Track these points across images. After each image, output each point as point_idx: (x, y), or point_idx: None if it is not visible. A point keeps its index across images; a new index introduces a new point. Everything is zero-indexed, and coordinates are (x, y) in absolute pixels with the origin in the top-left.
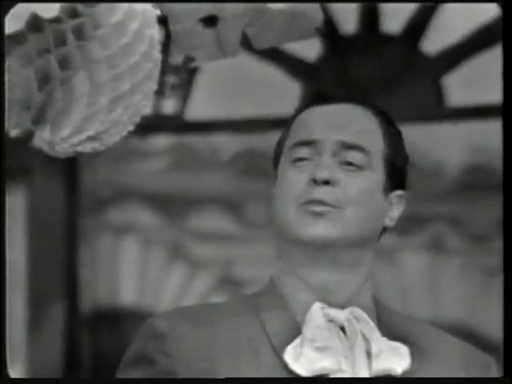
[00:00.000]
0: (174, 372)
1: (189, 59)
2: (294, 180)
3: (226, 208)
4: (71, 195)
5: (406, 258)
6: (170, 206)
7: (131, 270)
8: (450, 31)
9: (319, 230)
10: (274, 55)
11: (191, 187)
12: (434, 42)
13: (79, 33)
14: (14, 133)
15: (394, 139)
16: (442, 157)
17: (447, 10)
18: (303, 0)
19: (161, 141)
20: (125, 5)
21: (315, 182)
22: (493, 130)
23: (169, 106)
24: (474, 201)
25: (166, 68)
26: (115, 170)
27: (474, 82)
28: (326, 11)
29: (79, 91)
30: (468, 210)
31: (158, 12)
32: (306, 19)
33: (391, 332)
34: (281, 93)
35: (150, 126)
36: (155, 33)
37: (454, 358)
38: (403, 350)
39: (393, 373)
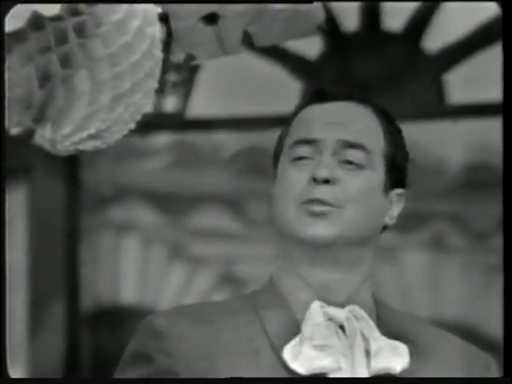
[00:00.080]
0: (174, 371)
1: (190, 57)
2: (294, 179)
3: (227, 206)
4: (72, 193)
5: (406, 256)
6: (171, 204)
7: (132, 268)
8: (450, 29)
9: (319, 229)
10: (276, 53)
11: (192, 185)
12: (435, 40)
13: (80, 31)
14: (14, 131)
15: (394, 137)
16: (442, 155)
17: (448, 8)
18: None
19: (162, 139)
20: None
21: (315, 180)
22: (493, 127)
23: (170, 104)
24: (475, 199)
25: (167, 66)
26: (116, 168)
27: (474, 80)
28: (327, 9)
29: (80, 89)
30: (469, 208)
31: (159, 10)
32: (308, 17)
33: (391, 331)
34: (282, 91)
35: (151, 124)
36: (156, 31)
37: (454, 358)
38: (402, 348)
39: (392, 372)
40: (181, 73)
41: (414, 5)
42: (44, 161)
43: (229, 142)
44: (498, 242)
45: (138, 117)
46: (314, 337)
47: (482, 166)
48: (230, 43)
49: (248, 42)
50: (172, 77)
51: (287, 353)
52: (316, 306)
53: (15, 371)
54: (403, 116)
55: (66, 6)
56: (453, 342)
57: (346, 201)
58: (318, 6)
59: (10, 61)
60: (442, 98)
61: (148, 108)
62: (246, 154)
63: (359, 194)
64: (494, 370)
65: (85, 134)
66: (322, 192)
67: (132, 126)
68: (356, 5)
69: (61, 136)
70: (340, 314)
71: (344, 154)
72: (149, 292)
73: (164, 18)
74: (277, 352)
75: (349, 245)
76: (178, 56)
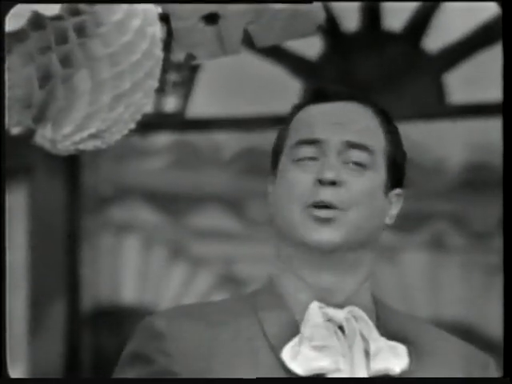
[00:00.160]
0: (173, 371)
1: (190, 57)
2: (297, 180)
3: (228, 206)
4: (72, 193)
5: (406, 256)
6: (172, 204)
7: (132, 269)
8: (450, 30)
9: (325, 235)
10: (276, 53)
11: (192, 185)
12: (435, 40)
13: (81, 31)
14: (15, 131)
15: (393, 137)
16: (442, 155)
17: (448, 8)
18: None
19: (162, 139)
20: None
21: (321, 182)
22: (493, 127)
23: (170, 103)
24: (475, 199)
25: (167, 66)
26: (117, 168)
27: (474, 80)
28: (327, 9)
29: (81, 89)
30: (469, 208)
31: (160, 10)
32: (308, 17)
33: (390, 331)
34: (282, 91)
35: (151, 124)
36: (157, 31)
37: (454, 358)
38: (402, 349)
39: (391, 372)
40: (181, 72)
41: (414, 5)
42: (44, 161)
43: (229, 142)
44: (497, 242)
45: (139, 116)
46: (313, 337)
47: (482, 166)
48: (230, 43)
49: (248, 41)
50: (172, 76)
51: (286, 353)
52: (315, 306)
53: (15, 371)
54: (403, 116)
55: (66, 5)
56: (452, 342)
57: (351, 203)
58: (318, 5)
59: (11, 61)
60: (441, 98)
61: (148, 108)
62: (246, 154)
63: (363, 195)
64: (493, 370)
65: (85, 133)
66: (327, 194)
67: (132, 125)
68: (356, 5)
69: (61, 136)
70: (339, 314)
71: (348, 155)
72: (149, 292)
73: (164, 18)
74: (276, 352)
75: (352, 248)
76: (179, 56)
